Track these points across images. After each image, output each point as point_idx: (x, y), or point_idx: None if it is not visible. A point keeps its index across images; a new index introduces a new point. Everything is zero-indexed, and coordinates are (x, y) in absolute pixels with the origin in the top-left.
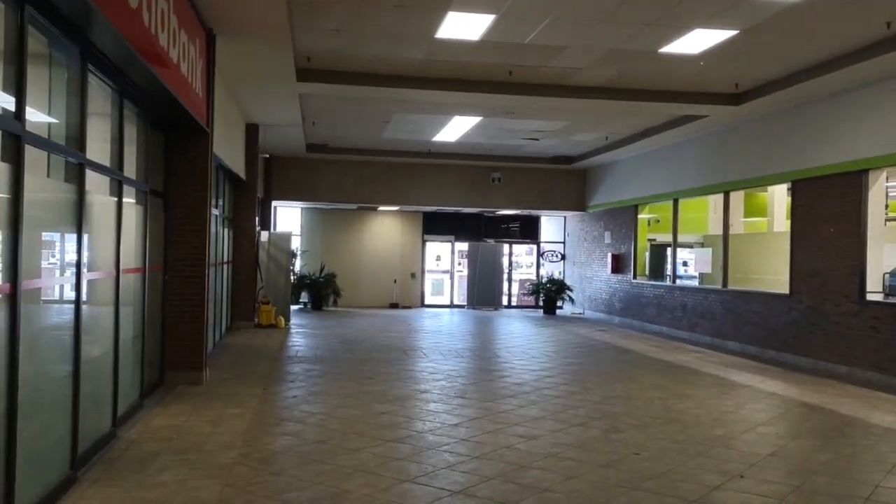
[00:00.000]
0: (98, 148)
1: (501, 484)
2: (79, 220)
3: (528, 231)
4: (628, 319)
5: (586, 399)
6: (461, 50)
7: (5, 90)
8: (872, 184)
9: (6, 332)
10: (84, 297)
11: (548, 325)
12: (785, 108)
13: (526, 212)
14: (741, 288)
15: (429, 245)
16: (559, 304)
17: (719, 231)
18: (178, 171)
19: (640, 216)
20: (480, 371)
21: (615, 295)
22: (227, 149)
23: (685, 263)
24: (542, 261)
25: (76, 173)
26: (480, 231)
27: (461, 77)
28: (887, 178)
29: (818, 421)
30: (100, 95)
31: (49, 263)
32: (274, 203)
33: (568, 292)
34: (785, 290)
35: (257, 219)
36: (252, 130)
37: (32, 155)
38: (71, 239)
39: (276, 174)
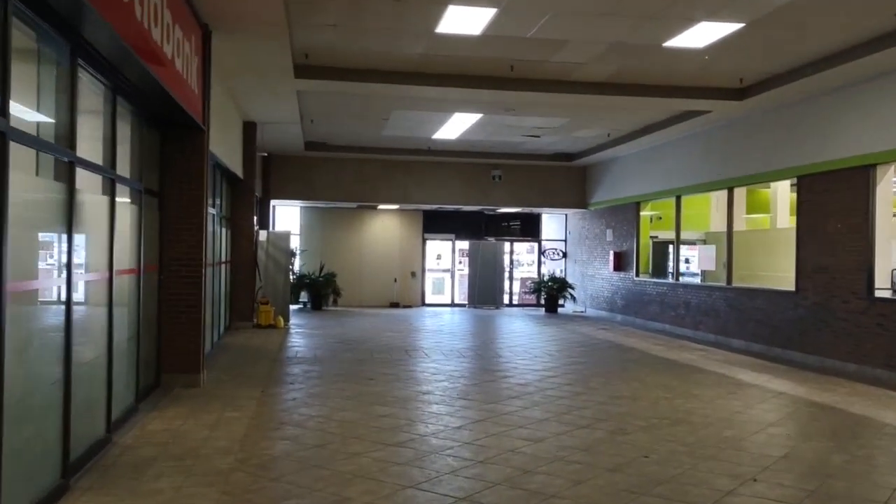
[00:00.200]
0: (90, 146)
1: (507, 490)
2: (69, 219)
3: (529, 229)
4: (631, 317)
5: (591, 399)
6: (462, 45)
7: None
8: (880, 178)
9: None
10: (75, 298)
11: (550, 324)
12: (790, 102)
13: (527, 209)
14: (746, 285)
15: (429, 244)
16: (561, 302)
17: (721, 228)
18: (174, 170)
19: (642, 213)
20: (483, 371)
21: (617, 293)
22: (224, 147)
23: (687, 261)
24: (543, 259)
25: (66, 172)
26: (481, 229)
27: (462, 73)
28: (895, 173)
29: (829, 421)
30: (92, 92)
31: (39, 265)
32: (272, 202)
33: (569, 290)
34: (790, 286)
35: (255, 218)
36: (250, 129)
37: (20, 153)
38: (61, 239)
39: (274, 173)
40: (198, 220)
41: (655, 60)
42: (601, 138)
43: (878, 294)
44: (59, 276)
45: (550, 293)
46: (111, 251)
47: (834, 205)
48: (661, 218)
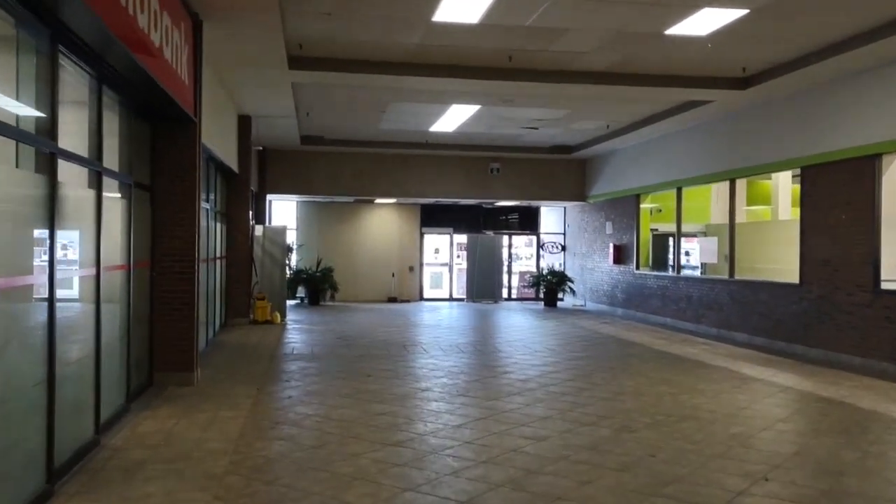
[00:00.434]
0: (75, 138)
1: (511, 492)
2: (51, 213)
3: (527, 222)
4: (631, 311)
5: (594, 396)
6: (459, 34)
7: None
8: (886, 168)
9: None
10: (60, 295)
11: (549, 318)
12: (794, 91)
13: (525, 203)
14: (749, 278)
15: (427, 238)
16: (560, 296)
17: (721, 220)
18: (165, 163)
19: (642, 206)
20: (483, 367)
21: (617, 286)
22: (218, 140)
23: (687, 253)
24: (542, 252)
25: (47, 164)
26: (479, 223)
27: (459, 63)
28: None
29: (838, 416)
30: (75, 81)
31: (21, 260)
32: (269, 196)
33: (569, 284)
34: (794, 279)
35: (251, 213)
36: (245, 122)
37: None
38: (43, 234)
39: (270, 167)
40: (190, 214)
41: (657, 49)
42: (601, 130)
43: (884, 286)
44: (42, 272)
45: (549, 287)
46: (98, 246)
47: (839, 196)
48: (661, 210)
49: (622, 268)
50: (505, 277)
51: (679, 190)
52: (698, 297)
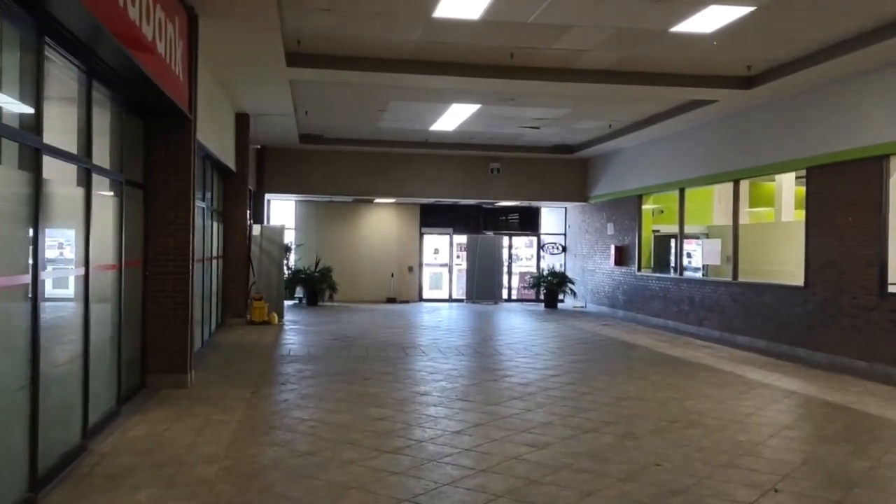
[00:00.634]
0: (63, 133)
1: (512, 503)
2: (35, 210)
3: (528, 223)
4: (632, 313)
5: (596, 400)
6: (460, 30)
7: None
8: (893, 170)
9: None
10: (47, 295)
11: (550, 320)
12: (799, 91)
13: (526, 203)
14: (752, 280)
15: (426, 238)
16: (560, 297)
17: (723, 221)
18: (159, 161)
19: (644, 206)
20: (482, 370)
21: (619, 288)
22: (215, 138)
23: (689, 255)
24: (542, 253)
25: (32, 160)
26: (479, 223)
27: (460, 61)
28: None
29: (846, 422)
30: (63, 75)
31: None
32: (267, 196)
33: (569, 285)
34: (798, 281)
35: (249, 212)
36: (242, 120)
37: None
38: (27, 232)
39: (269, 166)
40: (185, 213)
41: (662, 47)
42: (602, 130)
43: (890, 289)
44: (23, 272)
45: (550, 288)
46: (87, 245)
47: (844, 197)
48: (662, 211)
49: (623, 269)
50: (505, 278)
51: (682, 191)
52: (700, 299)
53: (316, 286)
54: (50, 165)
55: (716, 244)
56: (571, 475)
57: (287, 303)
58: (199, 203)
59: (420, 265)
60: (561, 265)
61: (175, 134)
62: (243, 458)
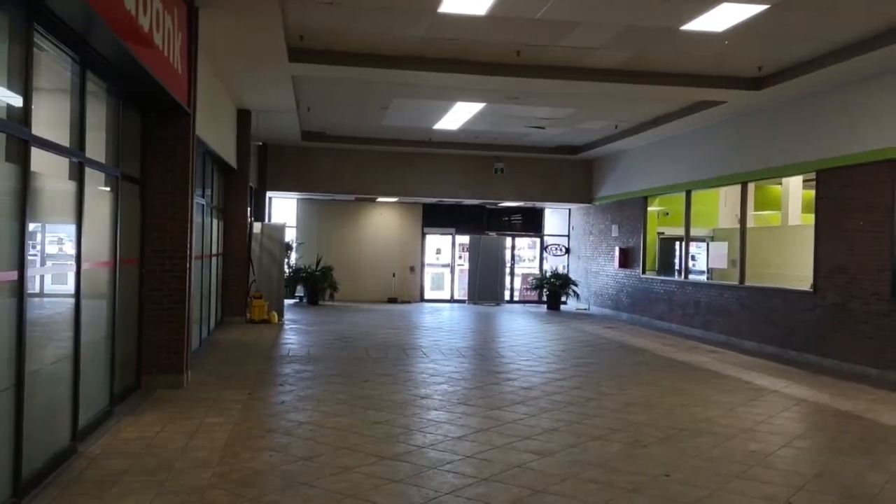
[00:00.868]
0: (54, 125)
1: None
2: (22, 205)
3: (531, 224)
4: (637, 316)
5: (602, 406)
6: (466, 26)
7: None
8: None
9: None
10: (29, 293)
11: (553, 322)
12: (810, 92)
13: (529, 204)
14: (760, 284)
15: (429, 238)
16: (563, 299)
17: (729, 224)
18: (157, 156)
19: (649, 209)
20: (484, 373)
21: (623, 290)
22: (215, 134)
23: (693, 258)
24: (545, 254)
25: (19, 152)
26: (482, 223)
27: (465, 58)
28: None
29: (859, 432)
30: (56, 65)
31: None
32: (268, 193)
33: (573, 287)
34: (803, 285)
35: (250, 209)
36: (244, 117)
37: None
38: (13, 227)
39: (271, 163)
40: (183, 209)
41: (671, 46)
42: (608, 130)
43: None
44: (9, 269)
45: (553, 290)
46: (79, 241)
47: (855, 201)
48: (668, 214)
49: (628, 271)
50: (507, 279)
51: (688, 193)
52: (706, 302)
53: (317, 285)
54: (38, 157)
55: (722, 247)
56: (577, 485)
57: (287, 302)
58: (198, 199)
59: (422, 265)
60: (564, 267)
61: (173, 128)
62: (237, 463)
